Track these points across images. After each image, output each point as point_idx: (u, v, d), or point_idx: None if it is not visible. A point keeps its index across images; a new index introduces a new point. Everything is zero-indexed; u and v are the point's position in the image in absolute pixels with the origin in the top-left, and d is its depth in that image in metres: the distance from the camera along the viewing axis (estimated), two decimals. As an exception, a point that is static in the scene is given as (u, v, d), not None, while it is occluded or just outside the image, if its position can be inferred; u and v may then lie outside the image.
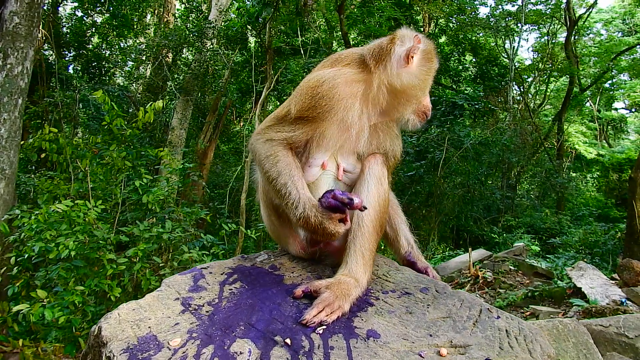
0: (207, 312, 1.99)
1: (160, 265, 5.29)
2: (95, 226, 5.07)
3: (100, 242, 4.94)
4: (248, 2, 17.79)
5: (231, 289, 2.21)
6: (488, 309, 2.24)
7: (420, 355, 1.82)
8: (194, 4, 17.83)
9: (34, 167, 12.43)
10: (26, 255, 4.75)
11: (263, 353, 1.76)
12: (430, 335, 1.96)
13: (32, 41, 7.00)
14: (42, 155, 6.35)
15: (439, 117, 16.29)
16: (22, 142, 6.87)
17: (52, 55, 15.62)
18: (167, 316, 1.95)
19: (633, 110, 31.52)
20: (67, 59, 17.08)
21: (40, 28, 9.12)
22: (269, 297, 2.14)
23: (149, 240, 5.28)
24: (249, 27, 16.51)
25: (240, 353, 1.74)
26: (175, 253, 5.73)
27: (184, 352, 1.72)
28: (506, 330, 2.07)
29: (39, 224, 4.77)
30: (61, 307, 4.33)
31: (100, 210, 5.26)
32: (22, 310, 4.25)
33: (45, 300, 4.37)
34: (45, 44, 14.86)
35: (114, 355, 1.69)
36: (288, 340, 1.83)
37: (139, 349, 1.72)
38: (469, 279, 10.26)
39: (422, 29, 22.98)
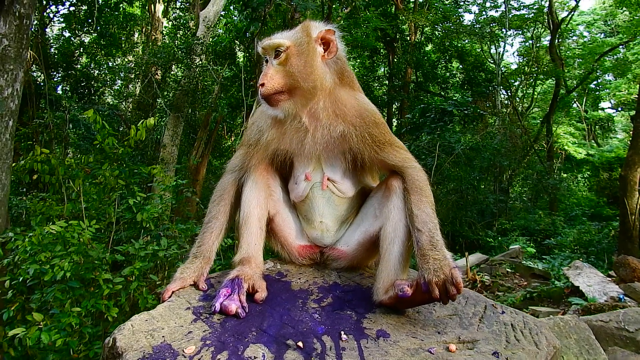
0: (218, 320, 2.01)
1: (157, 283, 5.23)
2: (90, 246, 5.01)
3: (96, 262, 4.86)
4: (235, 18, 17.89)
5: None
6: (492, 305, 2.28)
7: (430, 352, 1.84)
8: (182, 21, 17.87)
9: (25, 189, 12.32)
10: (21, 279, 4.67)
11: (276, 357, 1.77)
12: (439, 333, 1.99)
13: (22, 63, 6.96)
14: (34, 177, 6.27)
15: (429, 124, 16.39)
16: (13, 164, 6.81)
17: (40, 76, 15.56)
18: (180, 325, 1.96)
19: (619, 109, 31.87)
20: (55, 79, 17.05)
21: (29, 49, 9.11)
22: (278, 304, 2.17)
23: (144, 259, 5.21)
24: (237, 42, 16.56)
25: (254, 358, 1.75)
26: (171, 270, 5.65)
27: (199, 359, 1.73)
28: (512, 325, 2.10)
29: (33, 246, 4.67)
30: (58, 329, 4.24)
31: (95, 230, 5.18)
32: (18, 334, 4.15)
33: (41, 324, 4.29)
34: (34, 65, 14.82)
35: (129, 365, 1.69)
36: (300, 344, 1.85)
37: (154, 358, 1.73)
38: (468, 283, 10.28)
39: (408, 38, 23.25)
